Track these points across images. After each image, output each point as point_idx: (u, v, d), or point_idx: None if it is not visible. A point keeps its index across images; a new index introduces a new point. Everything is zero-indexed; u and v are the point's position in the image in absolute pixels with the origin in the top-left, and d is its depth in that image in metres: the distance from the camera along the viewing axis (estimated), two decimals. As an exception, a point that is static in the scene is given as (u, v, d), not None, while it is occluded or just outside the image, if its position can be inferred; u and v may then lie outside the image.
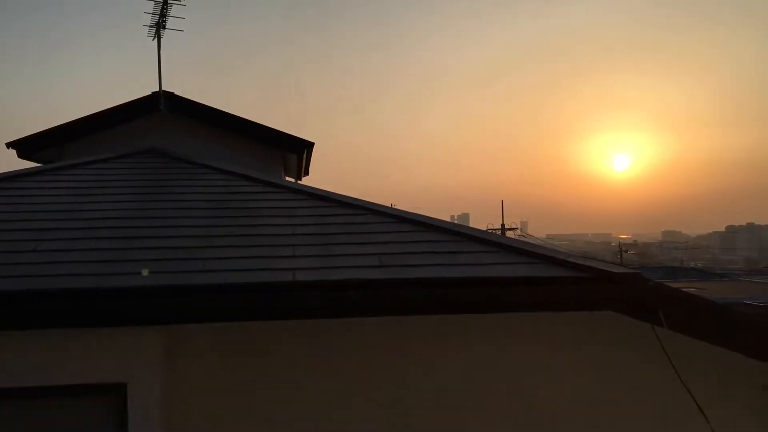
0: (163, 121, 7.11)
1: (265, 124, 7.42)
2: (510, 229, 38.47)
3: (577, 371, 3.91)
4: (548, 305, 3.57)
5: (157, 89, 7.13)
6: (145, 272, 3.44)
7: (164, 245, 3.94)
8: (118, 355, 3.39)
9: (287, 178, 8.23)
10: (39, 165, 6.72)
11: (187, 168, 5.82)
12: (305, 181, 8.90)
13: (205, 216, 4.55)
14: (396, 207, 5.14)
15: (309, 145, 7.58)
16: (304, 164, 8.13)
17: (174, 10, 6.98)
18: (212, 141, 7.24)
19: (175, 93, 7.20)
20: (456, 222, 5.64)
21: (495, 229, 34.49)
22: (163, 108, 7.07)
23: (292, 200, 4.90)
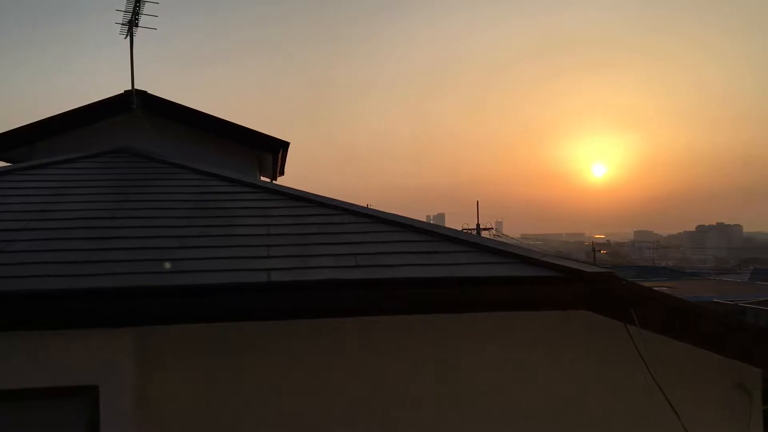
0: (136, 120, 7.02)
1: (240, 123, 7.38)
2: (485, 229, 38.71)
3: (551, 370, 3.94)
4: (523, 304, 3.60)
5: (130, 88, 7.04)
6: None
7: (137, 246, 3.89)
8: (90, 358, 3.34)
9: (262, 178, 8.19)
10: (8, 164, 6.60)
11: (161, 168, 5.75)
12: (281, 181, 8.87)
13: (179, 216, 4.50)
14: (372, 207, 5.14)
15: (284, 145, 7.55)
16: (279, 164, 8.10)
17: (147, 8, 6.91)
18: (186, 140, 7.17)
19: (148, 92, 7.11)
20: (431, 222, 5.65)
21: (470, 229, 34.66)
22: (135, 107, 6.98)
23: (267, 200, 4.87)
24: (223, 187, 5.19)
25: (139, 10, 6.90)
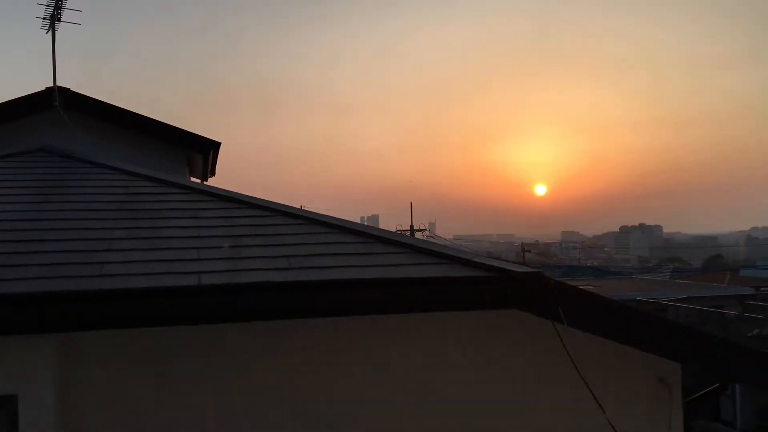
0: (58, 118, 6.75)
1: (171, 123, 7.21)
2: (419, 230, 39.06)
3: (484, 368, 4.01)
4: (456, 304, 3.64)
5: (52, 84, 6.77)
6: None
7: (58, 249, 3.73)
8: (8, 366, 3.19)
9: (192, 179, 8.02)
10: None
11: (84, 168, 5.55)
12: (211, 182, 8.70)
13: (104, 218, 4.35)
14: (305, 208, 5.11)
15: (215, 145, 7.42)
16: (210, 165, 7.95)
17: (70, 2, 6.66)
18: (112, 139, 6.95)
19: (71, 89, 6.85)
20: (365, 223, 5.66)
21: (404, 231, 34.90)
22: (57, 104, 6.71)
23: (198, 201, 4.76)
24: (150, 187, 5.05)
25: (61, 4, 6.64)
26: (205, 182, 8.36)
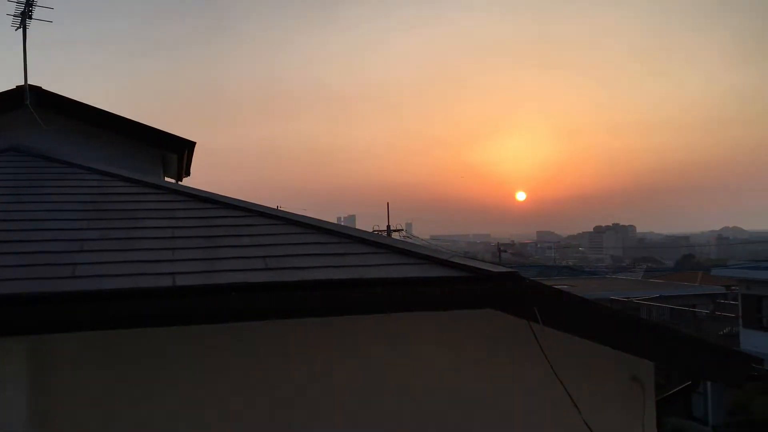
0: (29, 117, 6.63)
1: (145, 123, 7.12)
2: (395, 231, 39.12)
3: (460, 368, 4.02)
4: (432, 305, 3.64)
5: (23, 83, 6.65)
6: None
7: (30, 250, 3.67)
8: (-23, 370, 3.12)
9: (167, 179, 7.94)
10: None
11: (56, 167, 5.47)
12: (186, 182, 8.62)
13: (77, 219, 4.29)
14: (282, 209, 5.08)
15: (190, 145, 7.35)
16: (185, 164, 7.87)
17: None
18: (85, 139, 6.85)
19: (43, 87, 6.74)
20: (342, 224, 5.65)
21: (381, 231, 34.91)
22: (28, 103, 6.60)
23: (172, 202, 4.71)
24: (124, 187, 4.99)
25: (33, 1, 6.54)
26: (180, 182, 8.29)
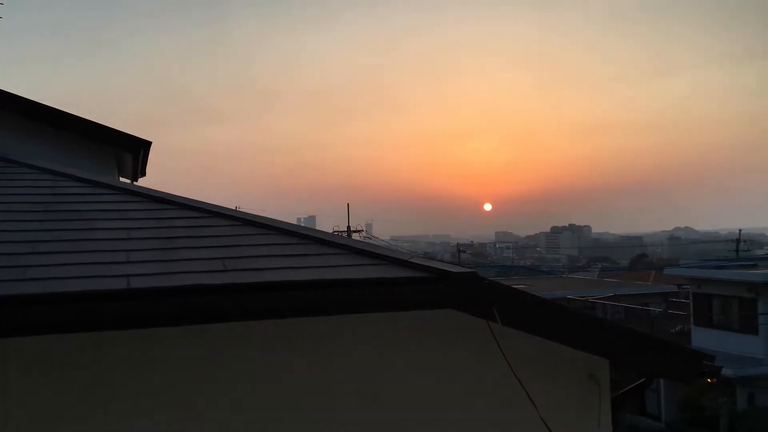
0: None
1: (102, 122, 6.96)
2: (356, 231, 39.14)
3: (419, 368, 4.03)
4: (393, 305, 3.65)
5: (-30, 79, 6.45)
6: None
7: (-23, 252, 3.56)
8: None
9: (122, 179, 7.79)
10: None
11: (6, 167, 5.32)
12: (142, 182, 8.47)
13: (27, 219, 4.17)
14: (240, 209, 5.03)
15: (146, 145, 7.21)
16: (140, 164, 7.73)
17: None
18: (35, 138, 6.67)
19: (-9, 84, 6.54)
20: (302, 224, 5.62)
21: (341, 232, 34.87)
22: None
23: (127, 202, 4.62)
24: (77, 188, 4.87)
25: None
26: (135, 182, 8.13)
